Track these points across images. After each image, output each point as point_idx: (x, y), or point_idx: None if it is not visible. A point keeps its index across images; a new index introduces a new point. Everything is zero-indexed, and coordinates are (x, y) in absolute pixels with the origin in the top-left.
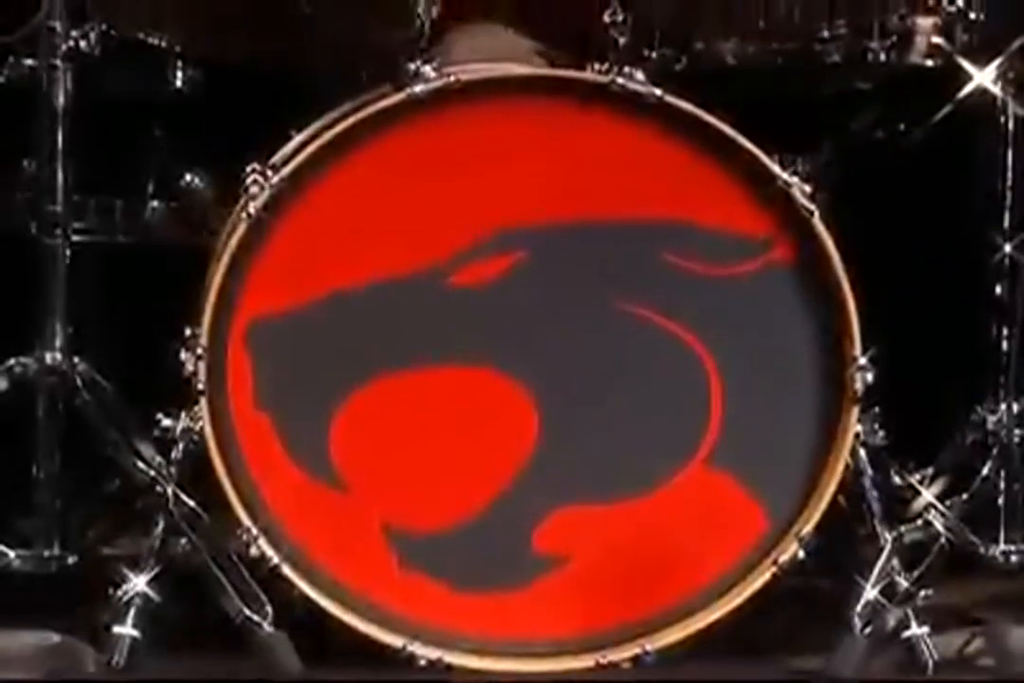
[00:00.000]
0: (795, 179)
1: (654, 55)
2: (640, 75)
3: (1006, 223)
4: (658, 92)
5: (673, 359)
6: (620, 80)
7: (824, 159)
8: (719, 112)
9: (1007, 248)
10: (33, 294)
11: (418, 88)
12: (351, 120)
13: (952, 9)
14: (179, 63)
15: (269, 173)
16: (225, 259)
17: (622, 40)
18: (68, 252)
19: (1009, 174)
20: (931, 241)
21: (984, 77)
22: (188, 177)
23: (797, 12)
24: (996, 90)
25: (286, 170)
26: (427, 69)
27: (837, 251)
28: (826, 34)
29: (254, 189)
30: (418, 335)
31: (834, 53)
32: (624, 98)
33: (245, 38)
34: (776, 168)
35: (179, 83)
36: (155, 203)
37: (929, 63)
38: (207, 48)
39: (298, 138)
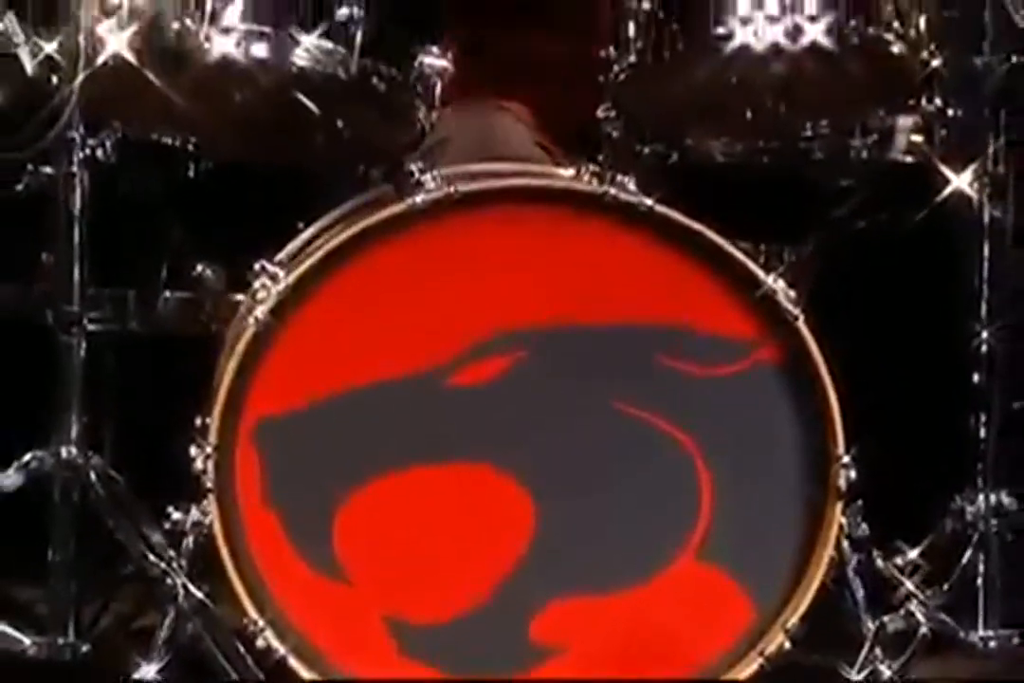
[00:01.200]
0: (780, 284)
1: (646, 150)
2: (632, 185)
3: (983, 311)
4: (648, 202)
5: (665, 456)
6: (612, 191)
7: (809, 249)
8: (708, 218)
9: (983, 334)
10: (49, 385)
11: (419, 199)
12: (354, 229)
13: (931, 108)
14: (191, 161)
15: (278, 271)
16: (233, 363)
17: (615, 134)
18: (84, 344)
19: (986, 265)
20: (913, 331)
21: (961, 181)
22: (199, 268)
23: (782, 112)
24: (972, 193)
25: (291, 277)
26: (427, 178)
27: (821, 352)
28: (810, 133)
29: (261, 294)
30: (419, 433)
31: (817, 150)
32: (617, 208)
33: (255, 138)
34: (762, 274)
35: (190, 179)
36: (168, 293)
37: (909, 159)
38: (218, 147)
39: (304, 235)
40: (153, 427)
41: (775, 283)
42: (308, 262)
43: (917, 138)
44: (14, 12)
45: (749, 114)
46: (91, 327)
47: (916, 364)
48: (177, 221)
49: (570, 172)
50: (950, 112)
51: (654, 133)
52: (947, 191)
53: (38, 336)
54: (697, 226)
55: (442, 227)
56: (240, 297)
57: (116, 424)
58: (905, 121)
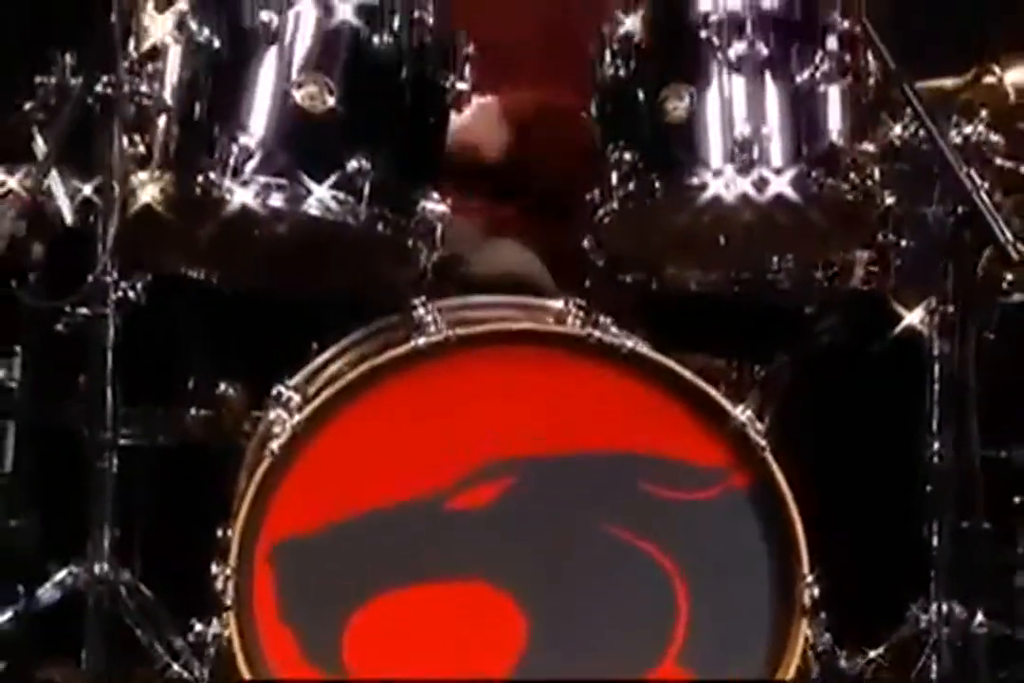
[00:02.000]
0: (748, 415)
1: (628, 279)
2: (614, 328)
3: (935, 426)
4: (629, 344)
5: (646, 573)
6: (596, 333)
7: (777, 367)
8: (685, 340)
9: (935, 445)
10: (83, 499)
11: (421, 341)
12: (362, 368)
13: (886, 241)
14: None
15: (292, 396)
16: (251, 492)
17: (600, 263)
18: (115, 459)
19: (936, 387)
20: (871, 445)
21: (913, 317)
22: (222, 386)
23: (751, 250)
24: (923, 329)
25: (305, 412)
26: (429, 318)
27: (786, 478)
28: (776, 266)
29: (276, 428)
30: (419, 553)
31: (783, 281)
32: (600, 348)
33: (272, 274)
34: (731, 408)
35: (213, 308)
36: (193, 410)
37: (866, 288)
38: (239, 280)
39: (317, 360)
40: (179, 539)
41: (744, 415)
42: (319, 399)
43: (873, 269)
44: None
45: (721, 252)
46: (122, 442)
47: (874, 477)
48: (201, 345)
49: (559, 304)
50: (903, 242)
51: (635, 265)
52: (899, 327)
53: (74, 452)
54: (673, 365)
55: (442, 366)
56: (258, 414)
57: (145, 537)
58: (862, 254)
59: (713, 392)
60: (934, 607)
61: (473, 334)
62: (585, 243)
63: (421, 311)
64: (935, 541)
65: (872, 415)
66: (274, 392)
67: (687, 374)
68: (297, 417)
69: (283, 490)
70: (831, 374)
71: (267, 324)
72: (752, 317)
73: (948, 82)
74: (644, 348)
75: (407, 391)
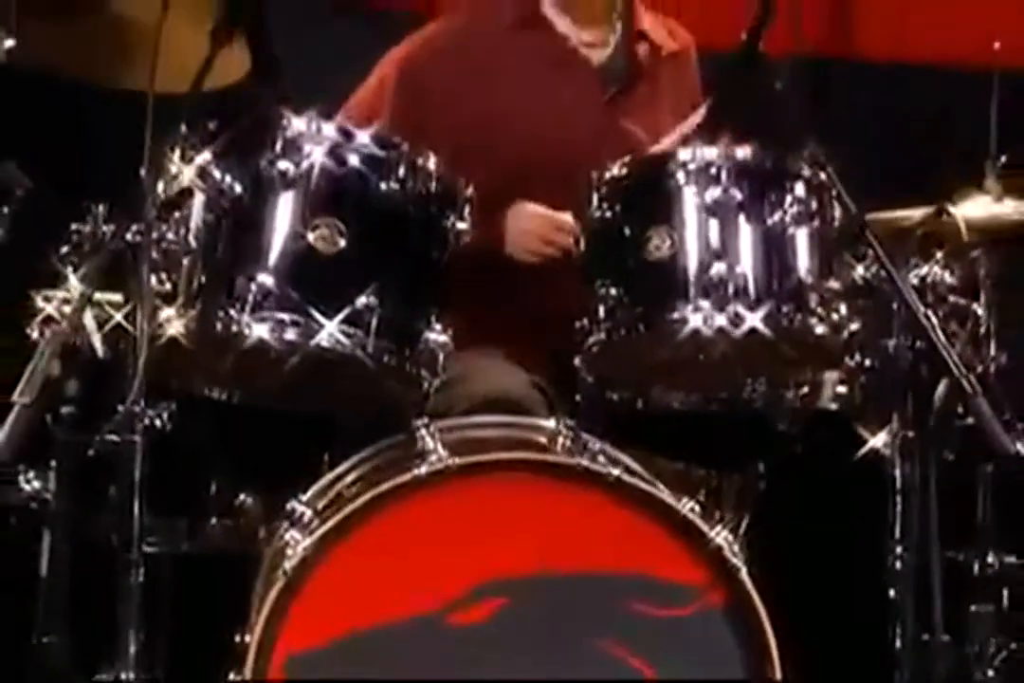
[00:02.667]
0: (725, 536)
1: (616, 397)
2: (602, 457)
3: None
4: (615, 472)
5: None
6: (584, 462)
7: (752, 477)
8: (669, 453)
9: (898, 549)
10: (111, 606)
11: (422, 470)
12: (367, 496)
13: (852, 364)
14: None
15: (306, 511)
16: (266, 609)
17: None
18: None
19: (898, 499)
20: (839, 550)
21: (877, 441)
22: (241, 497)
23: (728, 373)
24: (886, 452)
25: (314, 537)
26: (430, 446)
27: (761, 597)
28: (750, 388)
29: (289, 550)
30: (422, 666)
31: (757, 401)
32: (588, 476)
33: (288, 397)
34: (708, 530)
35: (232, 425)
36: (214, 520)
37: (834, 406)
38: (257, 401)
39: (329, 475)
40: (201, 644)
41: (720, 537)
42: (328, 524)
43: (842, 389)
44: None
45: (700, 376)
46: (148, 550)
47: (842, 584)
48: (221, 459)
49: (551, 423)
50: (867, 362)
51: (622, 385)
52: (863, 449)
53: (103, 560)
54: (654, 491)
55: (441, 492)
56: (274, 523)
57: (169, 643)
58: (831, 375)
59: (692, 516)
60: None
61: (470, 463)
62: (576, 362)
63: (423, 432)
64: (898, 644)
65: (839, 525)
66: (288, 508)
67: (668, 499)
68: (308, 540)
69: (295, 608)
70: (803, 485)
71: (282, 439)
72: (729, 431)
73: (908, 214)
74: (627, 476)
75: (409, 516)
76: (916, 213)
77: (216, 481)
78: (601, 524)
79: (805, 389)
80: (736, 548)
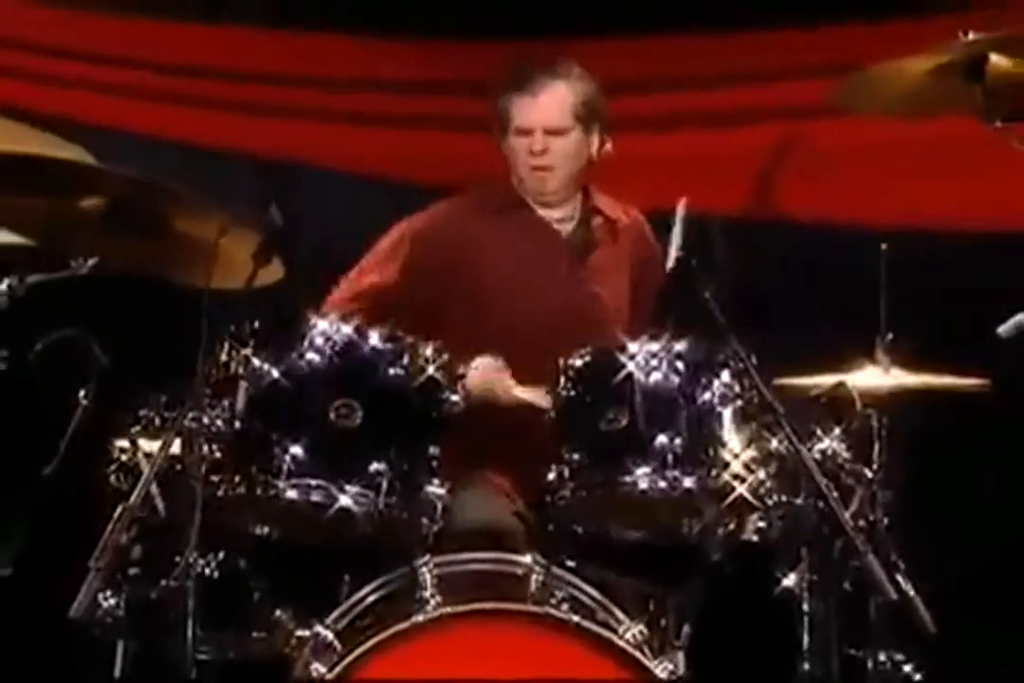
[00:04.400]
0: (665, 666)
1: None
2: (567, 595)
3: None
4: (575, 619)
5: None
6: (550, 610)
7: (689, 597)
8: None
9: (805, 666)
10: None
11: (420, 618)
12: (373, 640)
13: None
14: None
15: (328, 635)
16: None
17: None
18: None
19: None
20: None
21: (788, 582)
22: (277, 612)
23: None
24: (797, 592)
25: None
26: (427, 595)
27: None
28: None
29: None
30: None
31: (693, 537)
32: (554, 621)
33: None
34: (651, 664)
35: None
36: (254, 632)
37: (755, 538)
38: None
39: (349, 601)
40: None
41: (660, 669)
42: (341, 664)
43: (762, 524)
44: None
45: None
46: (200, 657)
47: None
48: (260, 583)
49: (527, 559)
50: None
51: (585, 523)
52: (777, 589)
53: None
54: (608, 634)
55: (434, 632)
56: (302, 634)
57: None
58: (753, 516)
59: (638, 654)
60: None
61: (458, 612)
62: (547, 498)
63: (423, 569)
64: None
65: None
66: (314, 631)
67: (619, 641)
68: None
69: None
70: (730, 605)
71: (311, 565)
72: (672, 557)
73: (815, 383)
74: (586, 621)
75: (407, 654)
76: (821, 381)
77: (255, 600)
78: (565, 658)
79: (731, 526)
80: (674, 673)
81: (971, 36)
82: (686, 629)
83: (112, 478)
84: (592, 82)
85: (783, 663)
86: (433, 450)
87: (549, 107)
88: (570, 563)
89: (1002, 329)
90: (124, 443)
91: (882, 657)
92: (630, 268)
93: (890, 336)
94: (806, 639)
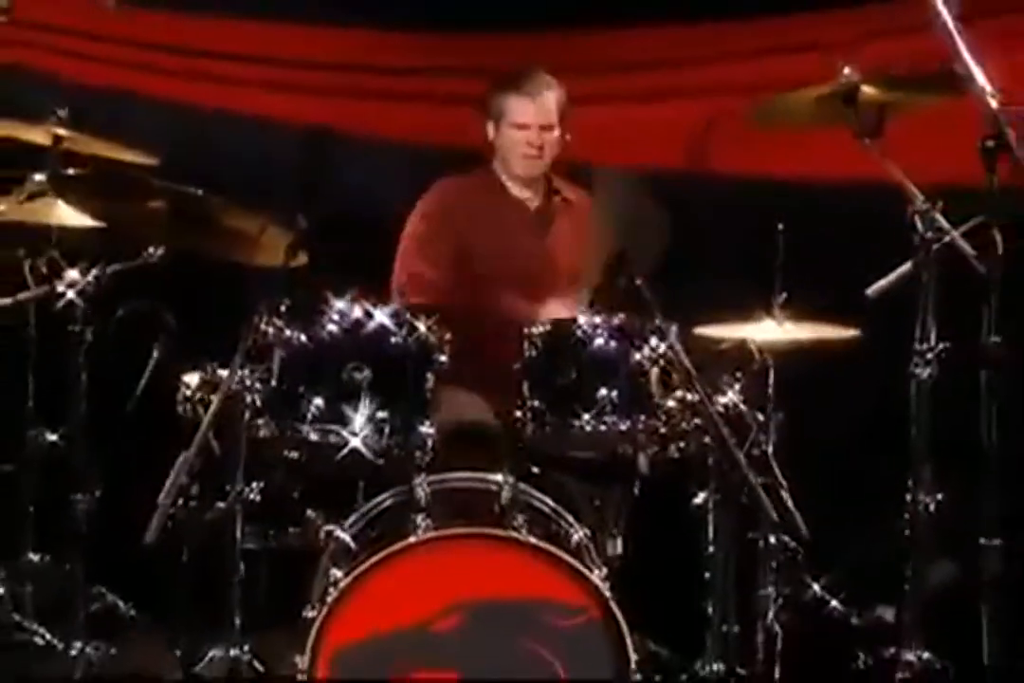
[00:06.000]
0: (599, 574)
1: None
2: (527, 515)
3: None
4: (532, 540)
5: (542, 664)
6: (514, 534)
7: (627, 494)
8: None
9: (711, 549)
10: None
11: (413, 539)
12: (379, 555)
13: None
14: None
15: (345, 538)
16: (315, 627)
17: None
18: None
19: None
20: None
21: (698, 499)
22: (310, 512)
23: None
24: (704, 504)
25: (344, 582)
26: (420, 524)
27: (623, 613)
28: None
29: (330, 588)
30: (416, 656)
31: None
32: (518, 542)
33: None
34: (589, 573)
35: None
36: (291, 528)
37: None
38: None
39: (361, 510)
40: (279, 615)
41: (596, 577)
42: (352, 574)
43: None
44: None
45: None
46: (248, 546)
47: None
48: (296, 495)
49: (499, 477)
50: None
51: (545, 449)
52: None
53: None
54: (556, 550)
55: (426, 549)
56: (328, 528)
57: (261, 624)
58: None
59: (579, 565)
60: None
61: (444, 534)
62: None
63: (419, 487)
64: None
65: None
66: (335, 533)
67: (566, 556)
68: (341, 584)
69: (334, 623)
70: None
71: (334, 481)
72: (613, 468)
73: (723, 336)
74: (543, 543)
75: (405, 565)
76: (729, 332)
77: (292, 504)
78: (523, 569)
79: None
80: (606, 583)
81: (847, 71)
82: (621, 523)
83: (178, 409)
84: (563, 88)
85: (695, 549)
86: (425, 398)
87: (544, 108)
88: (535, 470)
89: (870, 291)
90: (187, 383)
91: (772, 540)
92: (581, 235)
93: (784, 295)
94: (711, 530)
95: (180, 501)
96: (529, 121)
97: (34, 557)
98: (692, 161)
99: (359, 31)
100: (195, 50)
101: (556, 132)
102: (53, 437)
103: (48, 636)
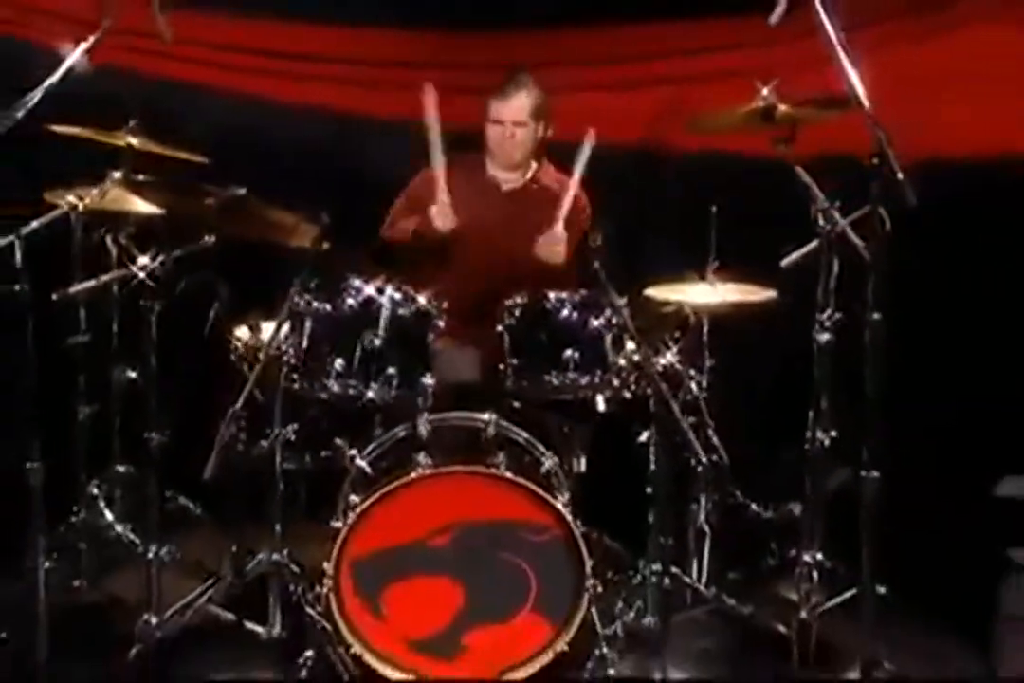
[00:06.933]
0: (563, 500)
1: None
2: (508, 450)
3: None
4: (508, 475)
5: (517, 574)
6: (495, 471)
7: (587, 428)
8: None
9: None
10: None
11: (414, 474)
12: (392, 485)
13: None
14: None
15: (363, 466)
16: (338, 541)
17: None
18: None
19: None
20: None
21: (642, 437)
22: (337, 440)
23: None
24: (647, 442)
25: (360, 508)
26: (422, 460)
27: (582, 534)
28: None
29: (350, 511)
30: (416, 564)
31: (592, 399)
32: (498, 477)
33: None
34: (554, 501)
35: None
36: (323, 452)
37: (629, 396)
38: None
39: (381, 439)
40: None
41: (560, 502)
42: (369, 501)
43: (628, 395)
44: None
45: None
46: (287, 466)
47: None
48: (328, 429)
49: (488, 416)
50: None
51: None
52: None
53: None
54: (530, 484)
55: (426, 482)
56: (352, 454)
57: (298, 534)
58: (626, 394)
59: (547, 495)
60: None
61: (439, 472)
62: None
63: (421, 425)
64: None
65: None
66: (356, 460)
67: (537, 488)
68: (358, 508)
69: (351, 539)
70: (608, 437)
71: (357, 417)
72: (578, 408)
73: (667, 297)
74: (519, 477)
75: (408, 494)
76: (670, 294)
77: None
78: (505, 497)
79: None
80: (568, 507)
81: (765, 93)
82: (584, 447)
83: (231, 357)
84: (542, 91)
85: (640, 469)
86: (427, 356)
87: (515, 107)
88: (516, 404)
89: (784, 263)
90: (237, 337)
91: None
92: (553, 218)
93: (716, 262)
94: (652, 466)
95: (232, 440)
96: (502, 118)
97: (120, 468)
98: (649, 139)
99: (388, 31)
100: (252, 48)
101: (527, 127)
102: (132, 374)
103: (131, 535)
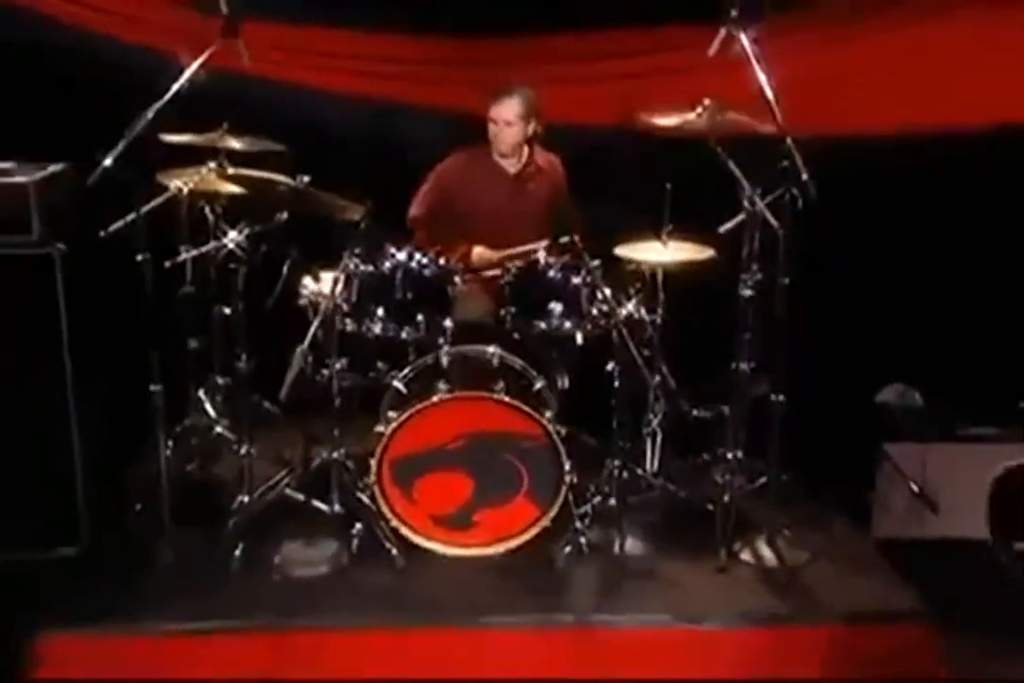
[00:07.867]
0: (548, 416)
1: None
2: (506, 378)
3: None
4: (506, 399)
5: (511, 470)
6: (494, 396)
7: (569, 355)
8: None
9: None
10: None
11: (436, 398)
12: (419, 405)
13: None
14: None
15: (400, 388)
16: (380, 447)
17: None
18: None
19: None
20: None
21: (610, 366)
22: (379, 364)
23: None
24: (613, 370)
25: (396, 422)
26: (442, 387)
27: (561, 441)
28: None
29: (386, 427)
30: (438, 462)
31: (576, 334)
32: (498, 401)
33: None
34: (540, 417)
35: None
36: (371, 373)
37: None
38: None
39: (411, 366)
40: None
41: (545, 418)
42: (402, 417)
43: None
44: None
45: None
46: (343, 384)
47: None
48: (375, 358)
49: (493, 349)
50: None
51: (519, 330)
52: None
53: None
54: (523, 406)
55: (445, 404)
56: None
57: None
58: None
59: (537, 413)
60: None
61: (455, 396)
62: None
63: (442, 355)
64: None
65: (598, 382)
66: (393, 383)
67: (529, 409)
68: (393, 423)
69: (389, 446)
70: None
71: (393, 346)
72: (563, 340)
73: (626, 256)
74: (514, 400)
75: (431, 413)
76: (632, 254)
77: (371, 360)
78: (505, 415)
79: (589, 328)
80: (551, 422)
81: (707, 102)
82: (568, 368)
83: (300, 302)
84: (532, 96)
85: (609, 385)
86: (448, 305)
87: (504, 108)
88: (516, 336)
89: (722, 229)
90: (304, 284)
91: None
92: (548, 194)
93: (669, 227)
94: (616, 382)
95: (301, 370)
96: (496, 118)
97: (220, 380)
98: (620, 121)
99: (410, 36)
100: (315, 50)
101: (516, 126)
102: (227, 311)
103: (228, 432)
